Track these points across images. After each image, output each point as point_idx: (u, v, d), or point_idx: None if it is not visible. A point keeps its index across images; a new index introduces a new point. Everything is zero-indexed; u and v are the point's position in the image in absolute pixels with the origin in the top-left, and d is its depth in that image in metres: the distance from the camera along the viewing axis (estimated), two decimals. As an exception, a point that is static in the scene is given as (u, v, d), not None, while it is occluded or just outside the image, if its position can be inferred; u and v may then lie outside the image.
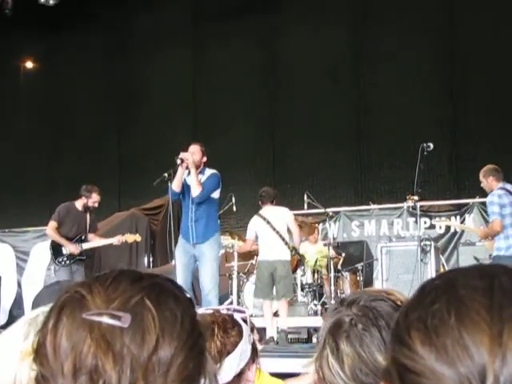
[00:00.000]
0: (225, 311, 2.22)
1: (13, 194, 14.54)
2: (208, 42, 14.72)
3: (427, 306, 0.77)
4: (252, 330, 2.21)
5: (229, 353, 2.06)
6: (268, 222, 8.14)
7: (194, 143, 7.80)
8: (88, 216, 9.17)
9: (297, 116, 13.73)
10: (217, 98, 14.26)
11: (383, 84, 13.18)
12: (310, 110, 13.52)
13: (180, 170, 7.46)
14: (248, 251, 9.57)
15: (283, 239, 8.13)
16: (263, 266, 8.15)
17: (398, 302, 1.43)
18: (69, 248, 8.77)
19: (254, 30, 14.40)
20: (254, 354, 2.18)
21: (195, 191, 7.50)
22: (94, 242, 9.09)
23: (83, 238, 8.96)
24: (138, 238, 9.24)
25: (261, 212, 8.35)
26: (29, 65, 16.21)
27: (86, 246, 8.95)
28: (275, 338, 7.96)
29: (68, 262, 8.82)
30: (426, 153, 7.20)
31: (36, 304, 2.23)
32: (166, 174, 7.41)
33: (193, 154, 7.55)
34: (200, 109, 14.72)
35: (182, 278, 7.46)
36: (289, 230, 8.31)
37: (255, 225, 8.29)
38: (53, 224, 8.94)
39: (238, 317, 2.17)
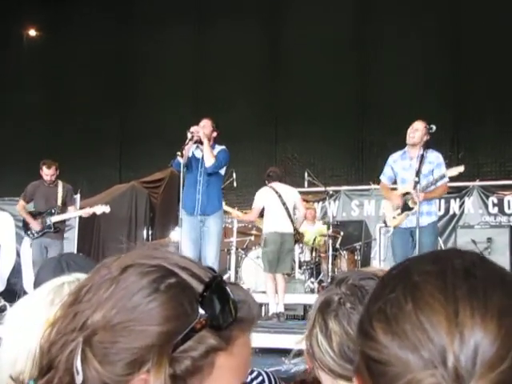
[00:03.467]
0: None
1: (12, 163, 14.53)
2: (210, 18, 14.63)
3: (386, 296, 0.78)
4: None
5: None
6: (279, 196, 8.16)
7: (206, 118, 7.81)
8: (60, 190, 9.32)
9: (298, 94, 13.69)
10: (219, 74, 14.21)
11: (385, 64, 13.13)
12: (311, 88, 13.47)
13: (190, 143, 7.47)
14: (248, 222, 9.57)
15: (290, 215, 8.16)
16: (272, 237, 8.10)
17: None
18: (31, 225, 9.15)
19: (256, 7, 14.33)
20: None
21: (209, 161, 7.50)
22: (64, 214, 9.28)
23: (53, 211, 9.20)
24: (106, 209, 9.35)
25: (271, 185, 8.33)
26: (32, 33, 16.13)
27: (54, 218, 9.18)
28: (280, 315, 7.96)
29: (36, 235, 9.17)
30: (428, 135, 7.17)
31: (39, 277, 2.23)
32: (178, 153, 7.39)
33: (203, 127, 7.57)
34: (202, 83, 14.67)
35: (191, 254, 7.46)
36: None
37: (265, 196, 8.27)
38: (20, 202, 9.44)
39: None
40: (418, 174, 6.89)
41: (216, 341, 0.85)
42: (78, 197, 10.87)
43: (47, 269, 2.21)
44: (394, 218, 7.26)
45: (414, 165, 7.09)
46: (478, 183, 11.74)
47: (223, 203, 9.12)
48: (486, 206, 11.77)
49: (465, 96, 12.76)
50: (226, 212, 9.45)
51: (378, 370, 0.76)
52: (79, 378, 0.82)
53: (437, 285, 0.75)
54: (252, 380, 2.17)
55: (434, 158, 7.16)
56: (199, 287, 0.86)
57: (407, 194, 7.07)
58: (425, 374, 0.72)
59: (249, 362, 0.95)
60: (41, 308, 1.30)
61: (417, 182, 6.84)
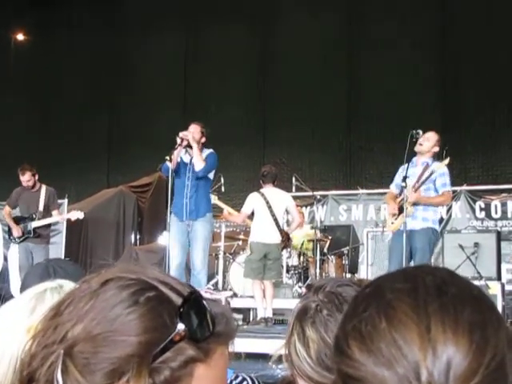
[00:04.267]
0: (203, 293, 2.18)
1: (0, 167, 14.47)
2: (200, 22, 14.64)
3: (360, 315, 0.80)
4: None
5: None
6: (269, 206, 8.08)
7: (194, 123, 7.80)
8: (42, 194, 9.46)
9: (287, 98, 13.71)
10: (207, 79, 14.20)
11: (373, 70, 13.16)
12: (300, 93, 13.49)
13: (179, 148, 7.46)
14: (234, 222, 9.55)
15: (278, 225, 8.13)
16: (256, 247, 8.09)
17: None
18: (12, 230, 9.40)
19: (246, 11, 14.34)
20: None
21: (198, 165, 7.51)
22: (42, 220, 9.41)
23: (34, 216, 9.38)
24: (80, 215, 9.60)
25: (263, 191, 8.24)
26: (20, 37, 16.08)
27: (35, 224, 9.37)
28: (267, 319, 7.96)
29: (17, 240, 9.41)
30: (414, 139, 7.21)
31: (25, 283, 2.23)
32: (167, 157, 7.39)
33: (192, 133, 7.58)
34: (190, 88, 14.66)
35: (179, 258, 7.48)
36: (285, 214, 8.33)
37: (254, 202, 8.21)
38: (5, 208, 9.66)
39: (224, 301, 2.15)
40: (404, 178, 6.93)
41: (194, 352, 0.86)
42: (65, 201, 10.86)
43: (34, 274, 2.20)
44: (392, 223, 7.30)
45: (418, 172, 7.17)
46: (465, 188, 11.79)
47: (215, 198, 9.12)
48: (474, 211, 11.82)
49: (452, 101, 12.81)
50: (216, 207, 9.44)
51: None
52: None
53: (409, 302, 0.78)
54: None
55: (436, 167, 7.22)
56: (178, 300, 0.88)
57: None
58: None
59: (225, 375, 0.96)
60: (22, 314, 1.30)
61: (405, 177, 6.90)
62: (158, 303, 0.86)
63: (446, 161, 7.35)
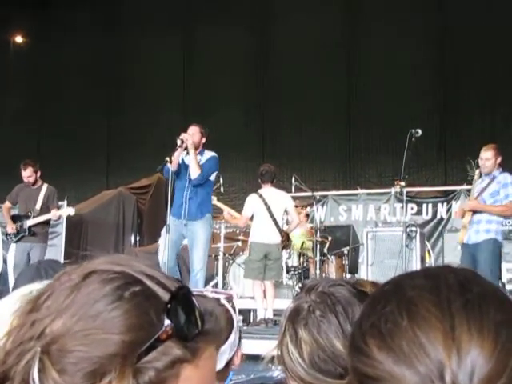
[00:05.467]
0: (209, 294, 2.17)
1: (-1, 169, 14.46)
2: (198, 22, 14.64)
3: (379, 312, 0.78)
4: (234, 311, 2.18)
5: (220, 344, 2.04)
6: (268, 207, 8.07)
7: (194, 124, 7.79)
8: (42, 192, 9.31)
9: (286, 98, 13.71)
10: (206, 78, 14.20)
11: (373, 70, 13.17)
12: (299, 93, 13.49)
13: (179, 150, 7.46)
14: (235, 224, 9.54)
15: (277, 226, 8.12)
16: (257, 247, 8.08)
17: (364, 289, 1.44)
18: (7, 228, 9.25)
19: (245, 10, 14.34)
20: (241, 338, 2.16)
21: (194, 173, 7.52)
22: (37, 218, 9.22)
23: (29, 214, 9.20)
24: (71, 211, 9.45)
25: (261, 192, 8.23)
26: (18, 39, 16.08)
27: (30, 222, 9.18)
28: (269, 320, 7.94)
29: (13, 238, 9.23)
30: (414, 139, 7.21)
31: (18, 283, 2.21)
32: (167, 159, 7.39)
33: (192, 135, 7.56)
34: (189, 88, 14.66)
35: (169, 255, 7.47)
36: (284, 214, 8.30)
37: (253, 204, 8.20)
38: (5, 204, 9.50)
39: (225, 301, 2.13)
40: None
41: (182, 352, 0.82)
42: (65, 203, 10.82)
43: (25, 276, 2.18)
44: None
45: (484, 185, 7.23)
46: (465, 187, 11.76)
47: (215, 199, 9.11)
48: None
49: (452, 100, 12.81)
50: (216, 208, 9.42)
51: None
52: None
53: (432, 299, 0.75)
54: None
55: (502, 178, 7.18)
56: (165, 296, 0.83)
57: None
58: None
59: (214, 375, 0.92)
60: (6, 317, 1.28)
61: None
62: (144, 299, 0.82)
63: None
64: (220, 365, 2.01)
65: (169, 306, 0.82)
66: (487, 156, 7.14)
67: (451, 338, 0.72)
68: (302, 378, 1.42)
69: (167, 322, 0.81)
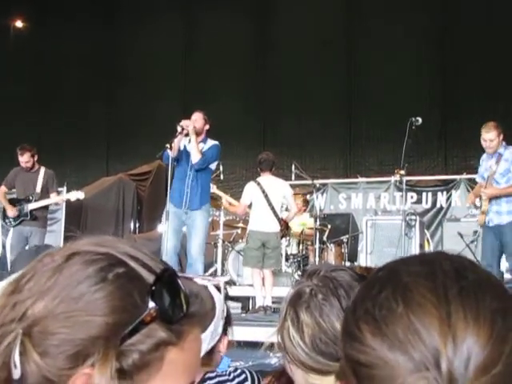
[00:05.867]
0: (199, 281, 2.16)
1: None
2: (198, 10, 14.59)
3: (373, 298, 0.77)
4: (225, 298, 2.17)
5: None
6: (266, 195, 8.06)
7: (198, 111, 7.80)
8: (41, 176, 9.21)
9: (286, 86, 13.68)
10: (206, 66, 14.16)
11: (373, 58, 13.13)
12: (299, 80, 13.45)
13: (179, 136, 7.45)
14: (234, 212, 9.53)
15: (276, 214, 8.11)
16: (255, 235, 8.08)
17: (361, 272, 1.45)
18: (7, 211, 9.06)
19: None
20: (227, 325, 2.14)
21: (195, 158, 7.51)
22: (40, 201, 9.11)
23: (31, 198, 9.08)
24: (81, 195, 9.25)
25: (259, 180, 8.21)
26: (18, 24, 16.03)
27: (31, 206, 9.06)
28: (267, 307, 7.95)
29: (13, 222, 9.07)
30: (414, 127, 7.19)
31: (14, 267, 2.21)
32: (167, 145, 7.38)
33: (194, 121, 7.57)
34: (189, 75, 14.63)
35: (171, 243, 7.49)
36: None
37: (251, 192, 8.18)
38: (1, 188, 9.32)
39: (212, 288, 2.11)
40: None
41: (166, 334, 0.81)
42: (64, 189, 10.79)
43: (22, 261, 2.18)
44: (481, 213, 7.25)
45: (492, 165, 7.07)
46: (465, 176, 11.77)
47: (214, 187, 9.12)
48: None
49: (452, 90, 12.78)
50: (215, 199, 9.42)
51: (366, 374, 0.74)
52: (17, 372, 0.77)
53: (428, 286, 0.74)
54: (234, 378, 2.17)
55: (509, 154, 7.03)
56: (150, 278, 0.82)
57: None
58: (416, 376, 0.70)
59: (199, 359, 0.91)
60: None
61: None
62: (128, 280, 0.81)
63: None
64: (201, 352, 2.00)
65: (153, 287, 0.81)
66: (490, 137, 6.96)
67: (447, 324, 0.71)
68: (302, 361, 1.42)
69: (151, 304, 0.79)
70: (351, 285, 1.40)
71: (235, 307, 8.18)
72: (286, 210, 8.63)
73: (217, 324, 2.03)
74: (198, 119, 7.64)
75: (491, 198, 7.01)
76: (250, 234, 8.17)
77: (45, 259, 0.84)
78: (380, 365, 0.73)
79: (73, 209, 11.89)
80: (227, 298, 2.23)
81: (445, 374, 0.69)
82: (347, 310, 0.82)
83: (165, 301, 0.81)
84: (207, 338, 2.00)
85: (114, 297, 0.79)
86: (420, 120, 7.20)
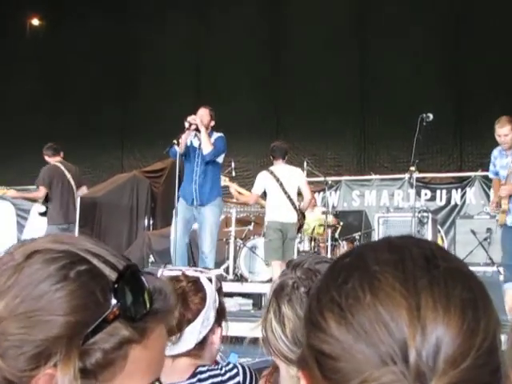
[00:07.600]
0: (191, 272, 2.17)
1: (14, 151, 14.54)
2: (212, 7, 14.58)
3: (339, 286, 0.73)
4: (219, 291, 2.17)
5: (189, 321, 2.01)
6: (280, 184, 7.91)
7: (203, 107, 7.84)
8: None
9: (300, 83, 13.65)
10: (220, 64, 14.16)
11: (386, 54, 13.06)
12: (312, 78, 13.42)
13: (187, 132, 7.49)
14: (244, 203, 9.47)
15: (292, 203, 7.98)
16: (274, 226, 7.90)
17: None
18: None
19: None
20: (220, 318, 2.14)
21: (206, 149, 7.53)
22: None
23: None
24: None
25: (272, 169, 8.06)
26: (35, 22, 16.13)
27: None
28: None
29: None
30: (425, 123, 7.12)
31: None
32: (175, 141, 7.44)
33: (201, 116, 7.61)
34: (203, 73, 14.65)
35: (180, 236, 7.53)
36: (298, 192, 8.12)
37: (265, 182, 8.04)
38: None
39: (204, 279, 2.12)
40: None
41: (129, 332, 0.80)
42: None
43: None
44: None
45: (510, 162, 6.90)
46: (480, 173, 11.67)
47: (225, 179, 9.11)
48: (488, 197, 11.70)
49: (467, 86, 12.68)
50: (226, 188, 9.39)
51: (330, 366, 0.71)
52: None
53: (397, 275, 0.71)
54: (226, 372, 2.17)
55: None
56: (112, 275, 0.81)
57: None
58: (383, 370, 0.67)
59: (163, 356, 0.89)
60: None
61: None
62: (90, 278, 0.80)
63: None
64: (190, 344, 2.01)
65: (116, 285, 0.80)
66: (505, 132, 6.83)
67: (416, 316, 0.68)
68: (285, 355, 1.41)
69: (114, 302, 0.79)
70: None
71: (246, 304, 8.18)
72: (299, 194, 8.41)
73: (207, 314, 2.04)
74: (204, 115, 7.68)
75: (511, 196, 6.86)
76: (269, 225, 7.99)
77: (4, 258, 0.82)
78: (345, 356, 0.69)
79: (87, 205, 11.94)
80: (220, 291, 2.23)
81: (412, 368, 0.66)
82: (311, 297, 0.79)
83: (127, 298, 0.80)
84: (196, 328, 2.01)
85: (75, 295, 0.78)
86: (431, 116, 7.13)
